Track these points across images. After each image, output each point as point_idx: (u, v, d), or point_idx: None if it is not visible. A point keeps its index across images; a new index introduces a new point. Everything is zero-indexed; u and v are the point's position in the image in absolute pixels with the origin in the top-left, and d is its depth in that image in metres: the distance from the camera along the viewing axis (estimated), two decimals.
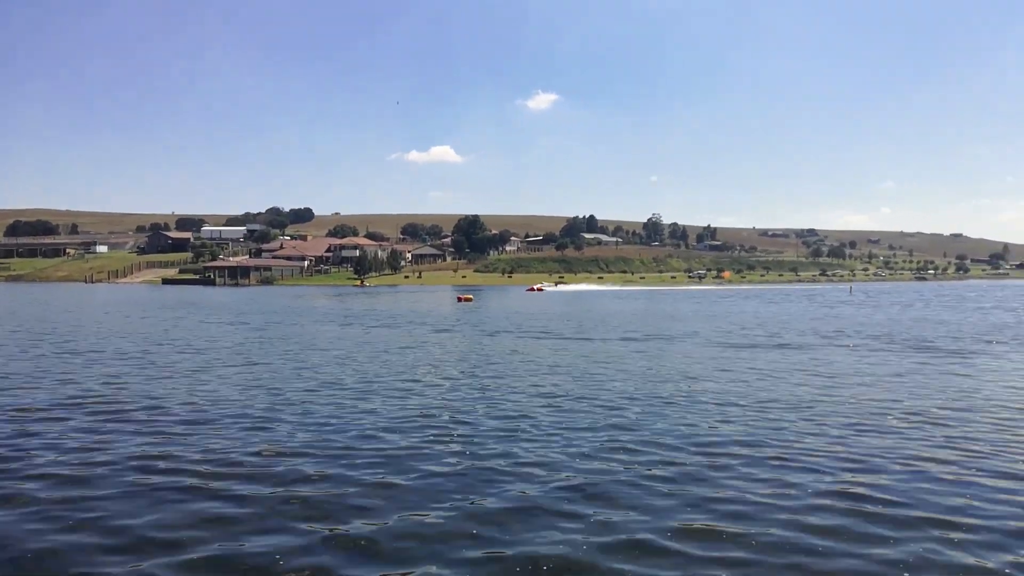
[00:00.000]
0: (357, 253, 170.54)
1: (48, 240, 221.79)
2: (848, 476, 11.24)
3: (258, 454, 12.42)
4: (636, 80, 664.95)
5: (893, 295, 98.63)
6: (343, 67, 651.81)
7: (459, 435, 13.83)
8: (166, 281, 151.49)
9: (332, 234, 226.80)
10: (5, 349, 29.19)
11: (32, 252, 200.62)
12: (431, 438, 13.58)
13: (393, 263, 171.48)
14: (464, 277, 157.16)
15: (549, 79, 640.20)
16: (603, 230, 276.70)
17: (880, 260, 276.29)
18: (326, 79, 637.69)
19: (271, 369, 23.53)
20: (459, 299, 79.49)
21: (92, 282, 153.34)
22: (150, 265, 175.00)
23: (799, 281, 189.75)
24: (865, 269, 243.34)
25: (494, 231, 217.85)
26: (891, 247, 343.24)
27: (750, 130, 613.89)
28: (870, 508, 9.78)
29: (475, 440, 13.42)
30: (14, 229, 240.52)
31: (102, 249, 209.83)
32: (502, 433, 13.99)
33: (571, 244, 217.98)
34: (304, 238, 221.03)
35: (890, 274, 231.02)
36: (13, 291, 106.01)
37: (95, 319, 47.95)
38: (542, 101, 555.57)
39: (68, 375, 21.81)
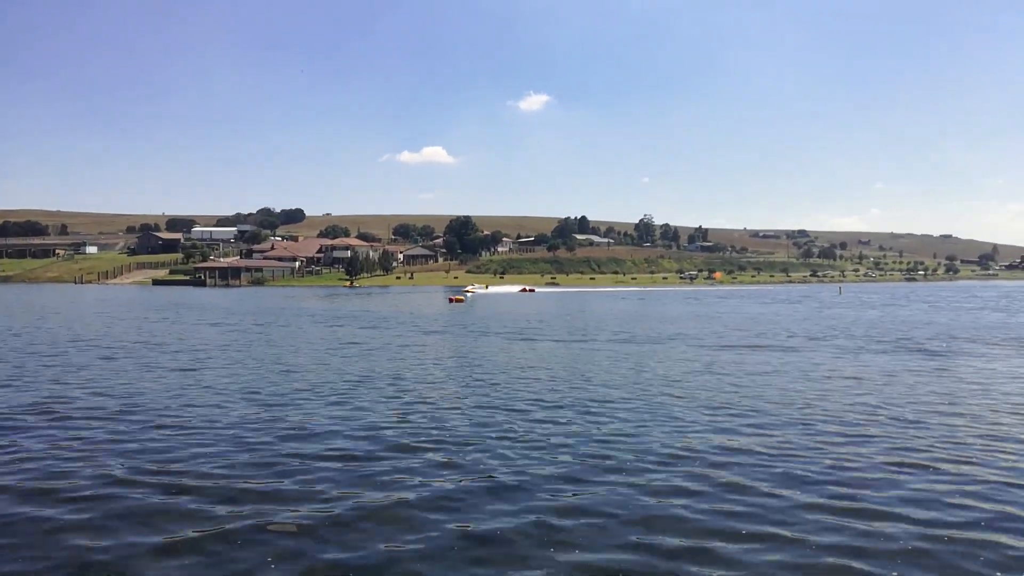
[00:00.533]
0: (349, 254, 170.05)
1: (37, 241, 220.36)
2: (835, 483, 11.24)
3: (230, 463, 12.33)
4: (627, 82, 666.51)
5: (883, 295, 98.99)
6: (335, 67, 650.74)
7: (438, 440, 13.77)
8: (156, 282, 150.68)
9: (324, 235, 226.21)
10: None
11: (21, 253, 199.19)
12: (410, 443, 13.52)
13: (385, 264, 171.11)
14: (456, 278, 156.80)
15: (541, 80, 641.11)
16: (595, 231, 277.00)
17: (870, 261, 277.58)
18: (318, 79, 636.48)
19: (252, 372, 23.40)
20: (450, 300, 79.50)
21: (82, 283, 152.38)
22: (140, 266, 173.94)
23: (790, 282, 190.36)
24: (856, 270, 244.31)
25: (486, 232, 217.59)
26: (881, 248, 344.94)
27: (741, 131, 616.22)
28: (857, 518, 9.78)
29: (455, 445, 13.37)
30: (3, 230, 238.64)
31: (92, 250, 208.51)
32: (484, 438, 13.92)
33: (563, 245, 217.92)
34: (295, 239, 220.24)
35: (880, 275, 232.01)
36: (2, 292, 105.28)
37: (83, 320, 47.64)
38: (534, 102, 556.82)
39: (46, 377, 21.63)
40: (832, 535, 8.93)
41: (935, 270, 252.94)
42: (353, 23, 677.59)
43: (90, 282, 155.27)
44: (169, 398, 18.05)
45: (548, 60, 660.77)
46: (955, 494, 10.47)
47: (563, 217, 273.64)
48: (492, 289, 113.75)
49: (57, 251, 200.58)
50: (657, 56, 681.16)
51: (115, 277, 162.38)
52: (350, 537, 8.86)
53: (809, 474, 11.41)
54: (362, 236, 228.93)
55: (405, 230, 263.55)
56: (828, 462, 12.09)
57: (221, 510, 9.72)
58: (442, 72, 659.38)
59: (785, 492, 10.50)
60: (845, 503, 10.07)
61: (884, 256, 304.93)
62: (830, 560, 8.22)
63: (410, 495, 10.32)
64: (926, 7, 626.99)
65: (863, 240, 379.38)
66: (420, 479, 11.10)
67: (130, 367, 24.12)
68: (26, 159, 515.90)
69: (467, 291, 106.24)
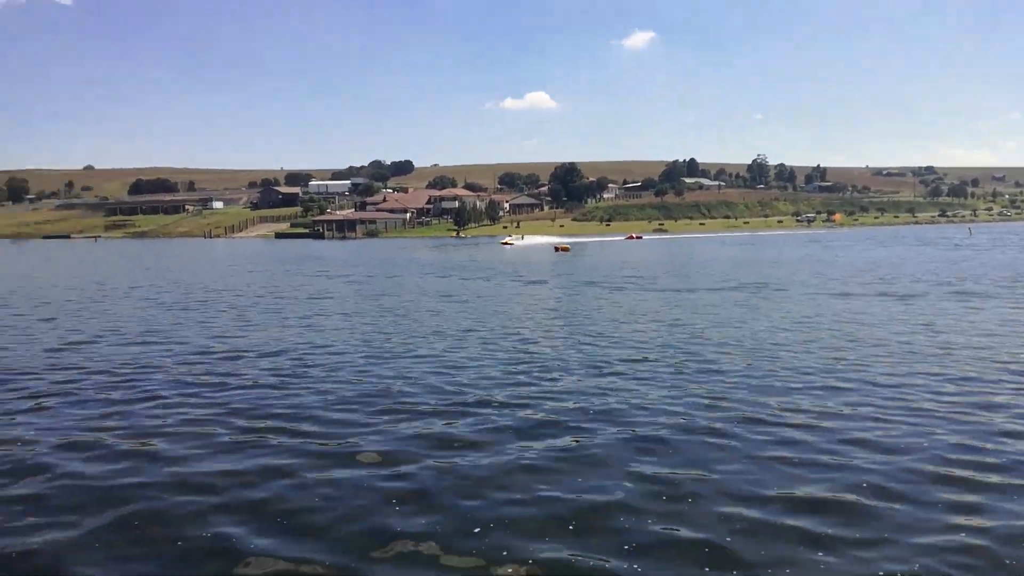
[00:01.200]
0: (456, 204, 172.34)
1: (168, 197, 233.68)
2: (955, 453, 10.98)
3: (347, 401, 13.13)
4: (736, 13, 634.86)
5: (1021, 235, 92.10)
6: (436, 17, 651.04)
7: (534, 396, 14.15)
8: (279, 235, 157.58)
9: (431, 186, 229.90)
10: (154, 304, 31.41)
11: (154, 209, 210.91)
12: (503, 399, 13.99)
13: (492, 214, 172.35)
14: (562, 226, 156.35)
15: (645, 17, 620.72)
16: (704, 173, 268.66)
17: (1005, 199, 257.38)
18: (421, 30, 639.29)
19: (366, 321, 24.44)
20: (556, 249, 79.89)
21: (211, 237, 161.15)
22: (263, 220, 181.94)
23: (916, 223, 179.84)
24: (989, 208, 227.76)
25: (591, 179, 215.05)
26: (1018, 184, 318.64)
27: (861, 62, 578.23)
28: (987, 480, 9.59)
29: (551, 401, 13.69)
30: (136, 187, 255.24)
31: (218, 205, 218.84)
32: (585, 389, 14.23)
33: (671, 189, 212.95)
34: (405, 190, 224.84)
35: (1017, 213, 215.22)
36: (142, 247, 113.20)
37: (219, 272, 50.84)
38: (638, 40, 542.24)
39: (186, 328, 23.40)
40: (954, 513, 8.82)
41: None
42: None
43: (218, 236, 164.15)
44: (289, 344, 19.24)
45: None
46: None
47: (671, 160, 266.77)
48: (528, 239, 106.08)
49: (186, 207, 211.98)
50: None
51: (241, 231, 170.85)
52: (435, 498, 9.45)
53: (923, 441, 11.03)
54: (468, 186, 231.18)
55: (510, 179, 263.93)
56: (947, 428, 11.60)
57: (311, 460, 10.29)
58: (544, 12, 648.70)
59: (893, 458, 10.36)
60: (971, 473, 9.77)
61: (1021, 193, 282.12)
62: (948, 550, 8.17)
63: (502, 447, 10.84)
64: None
65: (997, 176, 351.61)
66: (512, 433, 11.57)
67: (259, 316, 25.73)
68: (155, 120, 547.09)
69: (505, 242, 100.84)
